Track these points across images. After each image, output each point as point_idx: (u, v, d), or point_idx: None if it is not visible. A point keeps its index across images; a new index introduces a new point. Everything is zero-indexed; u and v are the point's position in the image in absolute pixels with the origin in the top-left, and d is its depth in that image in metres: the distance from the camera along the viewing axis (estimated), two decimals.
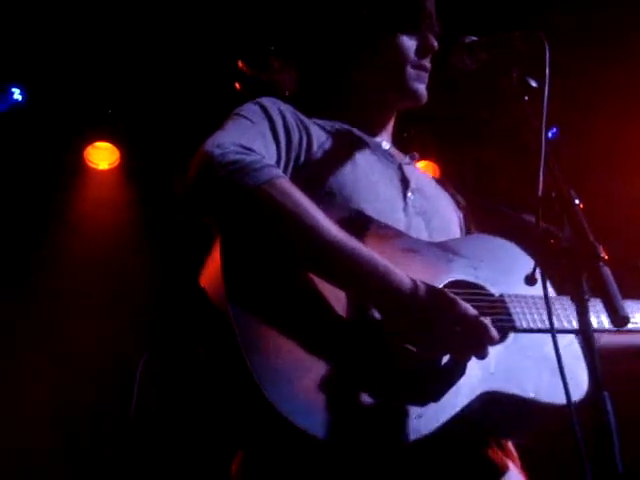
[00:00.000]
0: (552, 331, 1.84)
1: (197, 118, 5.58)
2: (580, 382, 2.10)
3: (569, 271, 1.81)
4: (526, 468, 2.42)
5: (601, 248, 1.79)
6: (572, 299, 1.80)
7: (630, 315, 1.73)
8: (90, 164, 6.02)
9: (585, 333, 1.76)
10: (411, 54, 2.57)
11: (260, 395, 1.90)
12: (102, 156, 6.02)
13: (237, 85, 5.47)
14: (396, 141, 2.78)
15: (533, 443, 2.42)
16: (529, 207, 1.93)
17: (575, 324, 2.26)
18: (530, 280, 1.88)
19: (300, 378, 1.96)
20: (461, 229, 2.73)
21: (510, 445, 2.40)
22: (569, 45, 4.98)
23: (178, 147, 5.77)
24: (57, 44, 5.39)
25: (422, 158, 5.94)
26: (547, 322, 2.14)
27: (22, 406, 5.60)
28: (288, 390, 1.93)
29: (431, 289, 2.08)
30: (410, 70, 2.57)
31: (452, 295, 2.10)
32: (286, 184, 2.13)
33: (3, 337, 5.64)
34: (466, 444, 2.20)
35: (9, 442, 5.49)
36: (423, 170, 2.90)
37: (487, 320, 2.09)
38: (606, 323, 2.31)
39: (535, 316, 2.28)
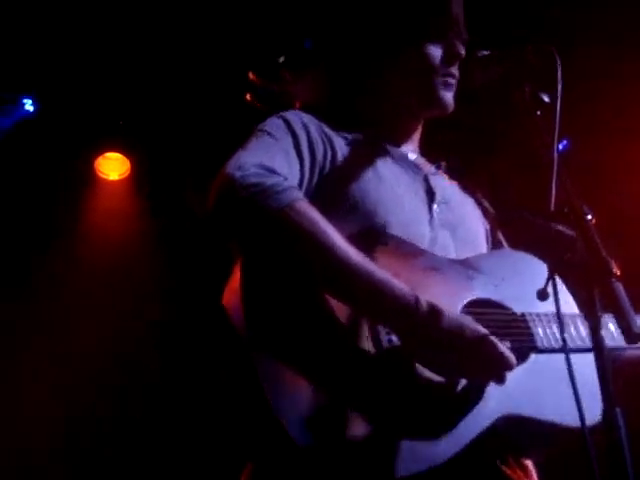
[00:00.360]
0: (565, 350, 1.83)
1: (208, 129, 5.61)
2: (597, 404, 2.06)
3: (582, 286, 1.81)
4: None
5: (613, 264, 1.79)
6: (584, 315, 1.79)
7: None
8: (101, 174, 6.03)
9: (597, 349, 1.75)
10: (437, 62, 2.52)
11: (275, 421, 1.91)
12: (112, 166, 6.04)
13: (248, 96, 5.50)
14: (424, 150, 2.75)
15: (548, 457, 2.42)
16: (538, 224, 1.93)
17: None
18: (542, 295, 1.87)
19: (316, 403, 1.96)
20: (487, 240, 2.69)
21: (529, 463, 2.38)
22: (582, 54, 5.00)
23: (188, 158, 5.80)
24: (68, 55, 5.39)
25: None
26: (569, 341, 2.16)
27: (22, 406, 5.61)
28: (304, 417, 1.94)
29: (449, 313, 2.07)
30: (437, 78, 2.53)
31: (469, 319, 2.09)
32: (306, 207, 2.13)
33: (4, 337, 5.65)
34: (485, 464, 2.18)
35: (9, 442, 5.50)
36: (451, 179, 2.82)
37: (506, 344, 2.08)
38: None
39: (557, 335, 2.25)
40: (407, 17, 2.56)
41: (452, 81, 2.54)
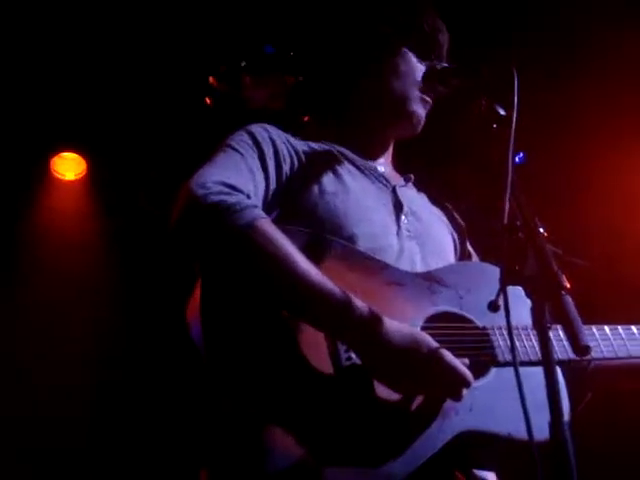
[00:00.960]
0: (515, 364, 1.84)
1: (165, 130, 5.58)
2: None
3: (532, 299, 1.82)
4: None
5: (564, 277, 1.80)
6: (534, 327, 1.81)
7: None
8: (56, 174, 5.97)
9: (545, 361, 1.76)
10: (416, 79, 2.55)
11: (231, 437, 1.93)
12: (68, 166, 5.98)
13: (207, 100, 5.50)
14: (395, 164, 2.77)
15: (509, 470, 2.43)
16: (494, 235, 1.94)
17: (559, 355, 2.26)
18: (493, 307, 1.88)
19: (274, 423, 1.96)
20: (455, 251, 2.72)
21: (492, 476, 2.40)
22: (537, 62, 5.05)
23: (145, 159, 5.76)
24: (21, 52, 5.35)
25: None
26: (530, 355, 2.18)
27: None
28: (255, 427, 1.95)
29: (406, 330, 2.09)
30: (415, 92, 2.56)
31: (426, 336, 2.11)
32: (267, 225, 2.14)
33: None
34: (444, 476, 2.19)
35: None
36: (419, 191, 2.84)
37: (464, 361, 2.10)
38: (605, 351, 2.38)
39: (519, 348, 2.26)
40: (396, 29, 2.59)
41: (427, 100, 2.58)
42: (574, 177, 5.76)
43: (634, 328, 2.52)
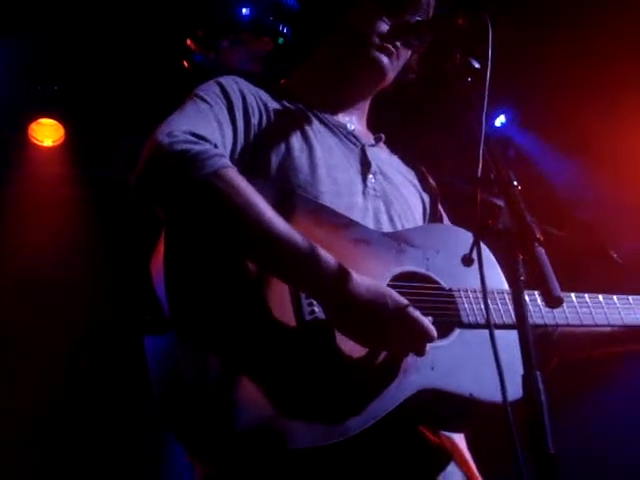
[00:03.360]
0: (489, 326, 1.83)
1: (144, 96, 5.53)
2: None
3: (506, 252, 1.81)
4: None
5: (538, 229, 1.79)
6: (507, 280, 1.79)
7: (565, 296, 1.73)
8: (34, 141, 5.92)
9: (518, 313, 1.76)
10: (380, 28, 2.50)
11: (190, 388, 1.91)
12: (46, 133, 5.92)
13: (185, 63, 5.45)
14: (370, 124, 2.73)
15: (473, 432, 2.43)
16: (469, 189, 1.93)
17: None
18: (466, 261, 1.87)
19: (234, 373, 1.95)
20: (425, 213, 2.69)
21: (457, 435, 2.39)
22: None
23: (123, 124, 5.72)
24: (4, 22, 5.30)
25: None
26: (495, 317, 2.17)
27: None
28: (220, 387, 1.92)
29: (372, 284, 2.08)
30: (375, 39, 2.50)
31: (390, 291, 2.09)
32: (232, 174, 2.11)
33: None
34: (407, 430, 2.19)
35: None
36: (392, 151, 2.82)
37: (427, 318, 2.09)
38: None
39: (483, 311, 2.22)
40: None
41: (390, 49, 2.52)
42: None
43: (601, 297, 2.50)
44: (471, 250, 1.88)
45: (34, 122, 5.88)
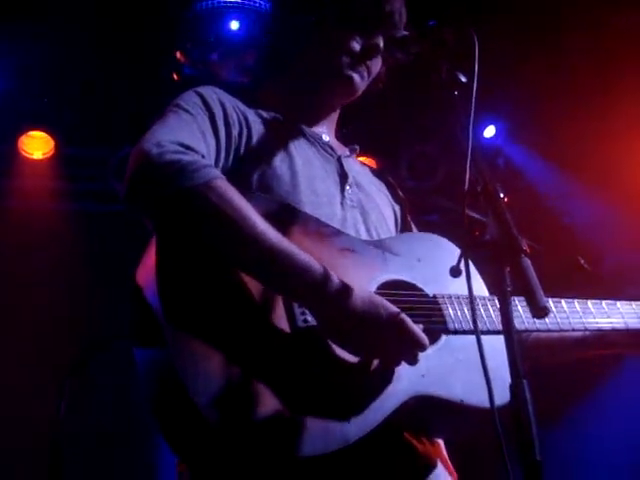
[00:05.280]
0: (476, 332, 1.84)
1: (134, 108, 5.54)
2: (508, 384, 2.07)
3: (492, 263, 1.83)
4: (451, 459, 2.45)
5: (524, 241, 1.82)
6: (494, 290, 1.82)
7: (550, 307, 1.76)
8: (24, 153, 5.92)
9: (505, 323, 1.78)
10: (352, 49, 2.53)
11: (187, 399, 1.90)
12: (36, 145, 5.93)
13: (175, 75, 5.47)
14: (339, 134, 2.77)
15: (461, 439, 2.45)
16: (458, 202, 1.95)
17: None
18: (454, 271, 1.89)
19: (229, 382, 1.95)
20: (396, 223, 2.73)
21: (440, 441, 2.41)
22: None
23: (113, 136, 5.73)
24: None
25: (361, 153, 5.99)
26: (479, 323, 2.19)
27: None
28: (215, 395, 1.93)
29: (364, 293, 2.10)
30: (347, 60, 2.53)
31: (382, 300, 2.11)
32: (223, 185, 2.12)
33: None
34: (394, 438, 2.20)
35: None
36: (362, 163, 2.88)
37: (419, 326, 2.11)
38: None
39: (468, 317, 2.28)
40: (335, 6, 2.57)
41: (362, 68, 2.56)
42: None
43: (576, 302, 2.55)
44: (459, 261, 1.90)
45: (24, 134, 5.87)
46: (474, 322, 1.90)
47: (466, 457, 2.46)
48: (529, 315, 2.25)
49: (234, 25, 5.04)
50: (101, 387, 5.73)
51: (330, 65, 2.55)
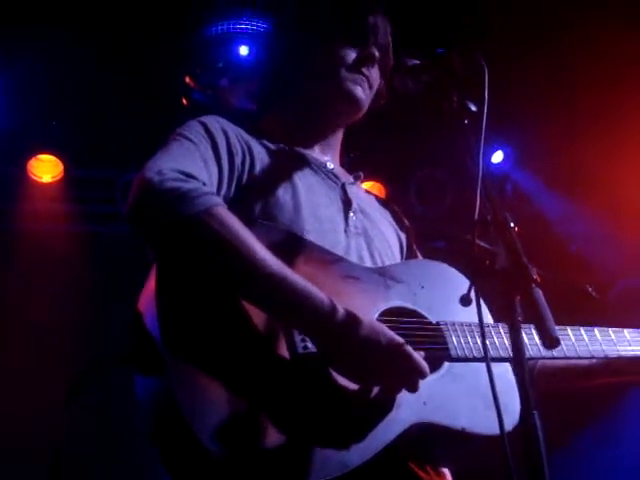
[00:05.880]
0: (486, 360, 1.85)
1: (143, 132, 5.56)
2: (512, 411, 2.01)
3: (503, 293, 1.83)
4: None
5: (534, 271, 1.82)
6: (505, 320, 1.81)
7: (561, 337, 1.76)
8: (33, 177, 5.94)
9: (516, 352, 1.78)
10: (348, 61, 2.57)
11: (187, 429, 1.89)
12: (45, 169, 5.95)
13: (184, 100, 5.50)
14: (343, 160, 2.78)
15: (464, 467, 2.45)
16: (466, 230, 1.96)
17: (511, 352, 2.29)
18: (465, 301, 1.89)
19: (229, 412, 1.95)
20: (402, 251, 2.73)
21: (446, 471, 2.40)
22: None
23: (122, 160, 5.75)
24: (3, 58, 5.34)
25: (368, 178, 6.01)
26: (483, 351, 2.19)
27: None
28: (216, 425, 1.92)
29: (365, 321, 2.08)
30: (345, 73, 2.56)
31: (383, 327, 2.10)
32: (224, 212, 2.13)
33: None
34: (398, 467, 2.19)
35: None
36: (367, 190, 2.89)
37: (419, 353, 2.10)
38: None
39: (471, 344, 2.29)
40: (321, 23, 2.63)
41: (362, 79, 2.59)
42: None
43: (582, 330, 2.55)
44: (469, 290, 1.90)
45: (33, 158, 5.90)
46: (484, 349, 1.89)
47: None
48: (534, 342, 2.27)
49: (243, 51, 5.07)
50: (100, 410, 5.71)
51: (329, 82, 2.58)
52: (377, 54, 2.60)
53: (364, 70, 2.58)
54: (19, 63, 5.40)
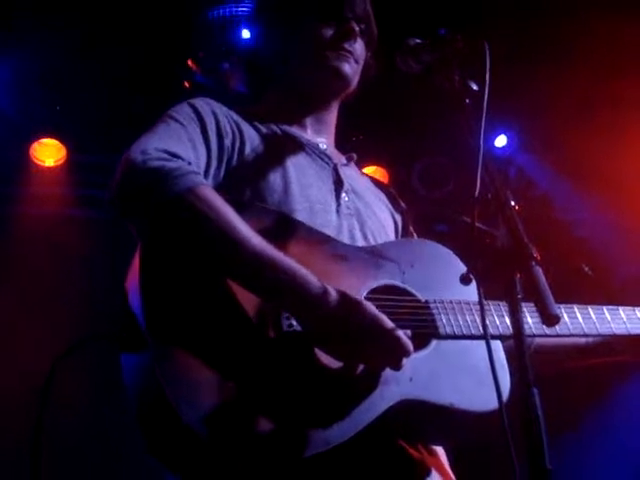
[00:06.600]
0: (486, 337, 1.85)
1: (146, 116, 5.56)
2: (503, 389, 1.98)
3: (503, 271, 1.83)
4: (457, 465, 2.44)
5: (534, 249, 1.82)
6: (505, 298, 1.82)
7: (560, 314, 1.76)
8: (36, 161, 5.94)
9: (516, 331, 1.78)
10: (329, 39, 2.58)
11: (170, 409, 1.90)
12: (48, 153, 5.95)
13: (186, 83, 5.49)
14: (338, 141, 2.78)
15: (455, 445, 2.45)
16: (468, 211, 1.96)
17: (502, 329, 2.30)
18: (465, 279, 1.89)
19: (215, 390, 1.95)
20: (397, 232, 2.73)
21: (439, 449, 2.42)
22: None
23: (125, 144, 5.74)
24: (5, 42, 5.34)
25: (372, 163, 6.01)
26: (472, 328, 2.22)
27: None
28: (200, 402, 1.92)
29: (348, 299, 2.08)
30: (328, 51, 2.58)
31: (367, 305, 2.10)
32: (207, 191, 2.12)
33: None
34: (387, 444, 2.20)
35: None
36: (363, 172, 2.88)
37: (405, 331, 2.11)
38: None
39: (461, 322, 2.29)
40: (298, 2, 2.65)
41: (346, 54, 2.59)
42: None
43: (575, 307, 2.55)
44: (468, 269, 1.90)
45: (36, 142, 5.90)
46: (483, 327, 1.89)
47: (473, 468, 2.45)
48: (533, 320, 2.28)
49: (246, 34, 5.06)
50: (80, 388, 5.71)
51: (315, 62, 2.59)
52: (356, 28, 2.61)
53: (346, 46, 2.59)
54: (22, 47, 5.40)
